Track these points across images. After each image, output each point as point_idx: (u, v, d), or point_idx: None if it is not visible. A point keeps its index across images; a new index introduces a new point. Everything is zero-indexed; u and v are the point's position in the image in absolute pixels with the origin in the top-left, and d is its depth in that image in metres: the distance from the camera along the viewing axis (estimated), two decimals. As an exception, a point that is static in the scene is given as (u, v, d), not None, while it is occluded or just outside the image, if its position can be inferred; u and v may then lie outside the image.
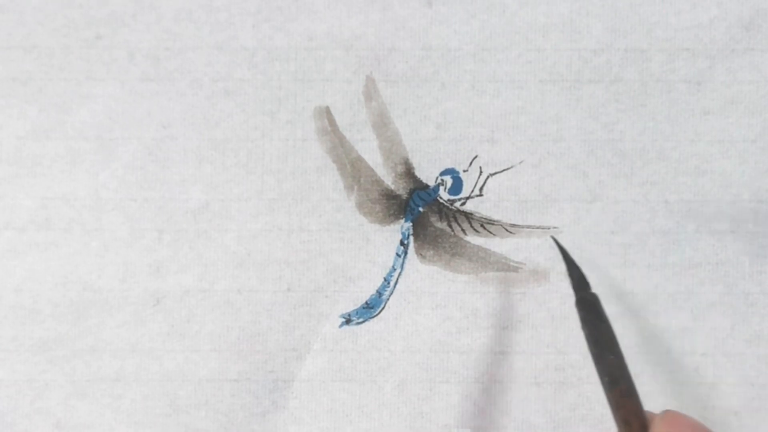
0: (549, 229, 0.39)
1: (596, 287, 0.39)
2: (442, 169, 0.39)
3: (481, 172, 0.39)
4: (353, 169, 0.39)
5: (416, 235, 0.40)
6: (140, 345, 0.39)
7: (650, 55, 0.39)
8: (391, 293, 0.39)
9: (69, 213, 0.39)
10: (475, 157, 0.39)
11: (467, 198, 0.39)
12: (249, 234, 0.39)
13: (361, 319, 0.39)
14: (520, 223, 0.39)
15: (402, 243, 0.39)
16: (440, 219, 0.40)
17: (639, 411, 0.32)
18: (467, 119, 0.39)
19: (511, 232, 0.39)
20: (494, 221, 0.39)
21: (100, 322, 0.39)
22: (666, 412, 0.31)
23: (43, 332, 0.39)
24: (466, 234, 0.39)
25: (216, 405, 0.39)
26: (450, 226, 0.40)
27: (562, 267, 0.39)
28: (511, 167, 0.39)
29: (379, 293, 0.39)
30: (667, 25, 0.39)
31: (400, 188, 0.40)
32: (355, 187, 0.39)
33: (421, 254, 0.39)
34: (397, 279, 0.39)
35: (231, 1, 0.39)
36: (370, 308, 0.39)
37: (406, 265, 0.39)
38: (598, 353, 0.33)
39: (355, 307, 0.39)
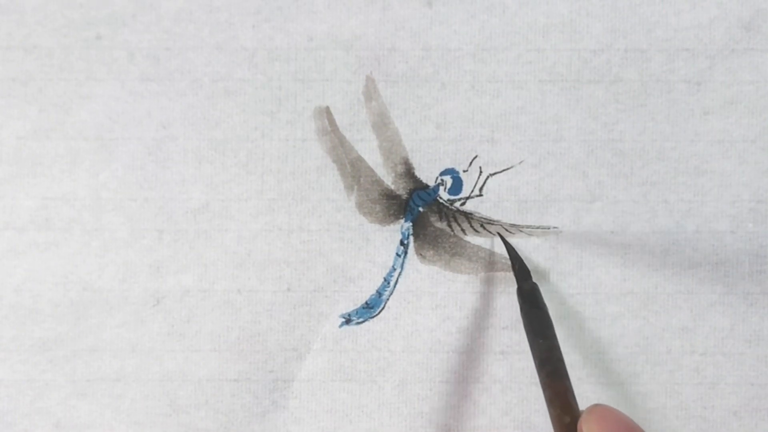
0: (549, 229, 0.39)
1: (596, 287, 0.39)
2: (442, 169, 0.39)
3: (481, 172, 0.39)
4: (353, 169, 0.39)
5: (416, 235, 0.40)
6: (140, 345, 0.39)
7: (650, 55, 0.39)
8: (391, 293, 0.39)
9: (69, 213, 0.39)
10: (475, 157, 0.39)
11: (467, 198, 0.39)
12: (249, 234, 0.39)
13: (361, 319, 0.39)
14: (520, 223, 0.39)
15: (402, 243, 0.39)
16: (440, 219, 0.40)
17: (565, 392, 0.32)
18: (467, 119, 0.39)
19: (510, 232, 0.39)
20: (494, 221, 0.39)
21: (100, 322, 0.39)
22: (594, 407, 0.31)
23: (43, 332, 0.39)
24: (466, 234, 0.39)
25: (216, 405, 0.39)
26: (450, 226, 0.40)
27: (562, 267, 0.39)
28: (511, 167, 0.39)
29: (379, 293, 0.39)
30: (667, 25, 0.39)
31: (400, 188, 0.40)
32: (355, 187, 0.39)
33: (421, 254, 0.39)
34: (397, 279, 0.39)
35: (231, 1, 0.39)
36: (370, 308, 0.39)
37: (406, 265, 0.39)
38: (531, 338, 0.35)
39: (355, 307, 0.39)
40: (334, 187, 0.39)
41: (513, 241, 0.39)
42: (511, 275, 0.39)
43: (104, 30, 0.39)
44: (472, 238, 0.39)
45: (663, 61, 0.39)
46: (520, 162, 0.39)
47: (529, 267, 0.39)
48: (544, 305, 0.36)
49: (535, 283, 0.37)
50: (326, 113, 0.39)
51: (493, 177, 0.39)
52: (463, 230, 0.40)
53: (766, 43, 0.39)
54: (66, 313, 0.39)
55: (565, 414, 0.31)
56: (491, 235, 0.39)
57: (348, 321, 0.39)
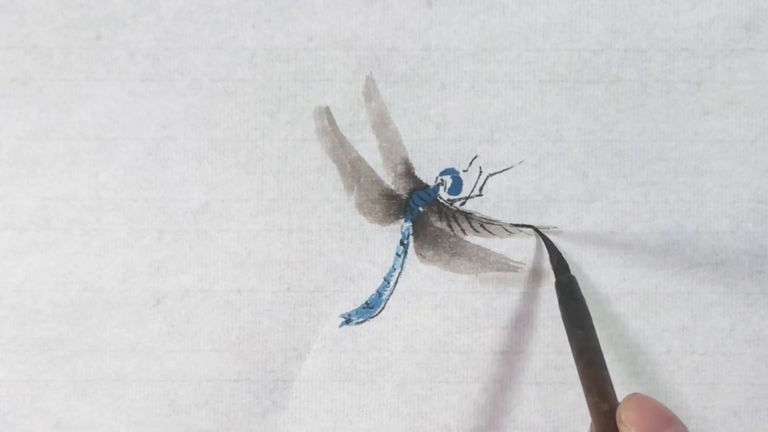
0: (549, 229, 0.39)
1: (596, 287, 0.39)
2: (441, 169, 0.39)
3: (480, 172, 0.39)
4: (353, 169, 0.39)
5: (416, 235, 0.40)
6: (140, 345, 0.39)
7: (650, 55, 0.39)
8: (391, 293, 0.39)
9: (69, 213, 0.39)
10: (475, 157, 0.39)
11: (467, 198, 0.39)
12: (249, 234, 0.39)
13: (361, 319, 0.39)
14: (519, 223, 0.39)
15: (402, 243, 0.39)
16: (440, 219, 0.40)
17: (603, 381, 0.33)
18: (467, 119, 0.39)
19: (510, 232, 0.39)
20: (494, 221, 0.39)
21: (100, 322, 0.39)
22: (632, 395, 0.32)
23: (43, 332, 0.39)
24: (465, 234, 0.39)
25: (216, 405, 0.39)
26: (450, 226, 0.40)
27: (562, 267, 0.39)
28: (511, 167, 0.39)
29: (379, 293, 0.39)
30: (667, 25, 0.39)
31: (400, 188, 0.40)
32: (355, 187, 0.39)
33: (421, 254, 0.39)
34: (397, 279, 0.39)
35: (231, 1, 0.39)
36: (370, 308, 0.39)
37: (406, 265, 0.39)
38: (569, 328, 0.35)
39: (355, 307, 0.39)
40: (334, 187, 0.39)
41: (512, 240, 0.39)
42: (510, 275, 0.39)
43: (104, 30, 0.39)
44: (472, 238, 0.39)
45: (663, 61, 0.39)
46: (520, 162, 0.39)
47: (529, 267, 0.39)
48: (582, 297, 0.36)
49: (573, 276, 0.37)
50: (326, 113, 0.39)
51: (493, 177, 0.39)
52: (463, 230, 0.40)
53: (766, 43, 0.39)
54: (66, 313, 0.39)
55: (603, 402, 0.32)
56: (491, 235, 0.39)
57: (348, 321, 0.39)
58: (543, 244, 0.39)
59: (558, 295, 0.37)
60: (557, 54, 0.39)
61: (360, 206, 0.39)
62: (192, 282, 0.39)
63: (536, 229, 0.39)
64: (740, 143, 0.39)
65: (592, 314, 0.39)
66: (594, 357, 0.34)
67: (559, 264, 0.38)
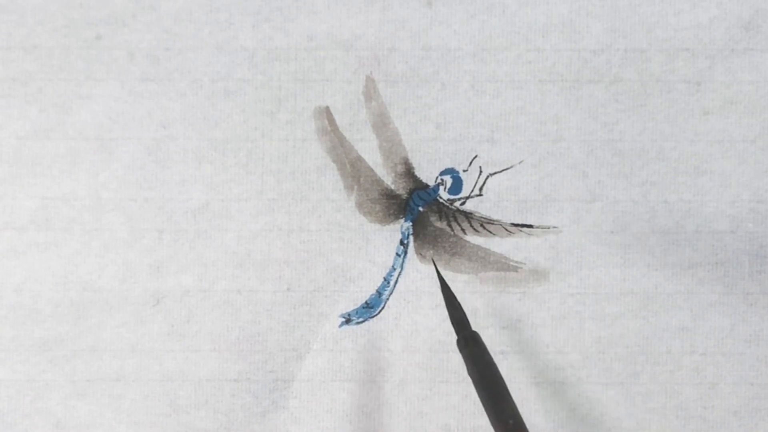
0: (549, 228, 0.39)
1: (596, 287, 0.39)
2: (441, 169, 0.39)
3: (480, 171, 0.39)
4: (353, 169, 0.39)
5: (416, 234, 0.40)
6: (140, 345, 0.39)
7: (650, 55, 0.39)
8: (391, 293, 0.39)
9: (69, 213, 0.39)
10: (475, 157, 0.39)
11: (467, 198, 0.39)
12: (249, 234, 0.39)
13: (361, 319, 0.39)
14: (519, 222, 0.39)
15: (402, 243, 0.39)
16: (440, 219, 0.40)
17: None
18: (467, 119, 0.39)
19: (510, 232, 0.39)
20: (494, 221, 0.39)
21: (100, 322, 0.39)
22: None
23: (43, 332, 0.39)
24: (465, 234, 0.39)
25: (216, 405, 0.39)
26: (450, 226, 0.40)
27: (562, 267, 0.39)
28: (511, 167, 0.39)
29: (379, 293, 0.39)
30: (667, 25, 0.39)
31: (400, 188, 0.40)
32: (355, 187, 0.39)
33: (421, 254, 0.39)
34: (397, 279, 0.39)
35: (231, 1, 0.39)
36: (370, 308, 0.39)
37: (406, 265, 0.39)
38: (482, 391, 0.34)
39: (355, 307, 0.39)
40: (334, 187, 0.39)
41: (512, 240, 0.39)
42: (510, 275, 0.39)
43: (104, 30, 0.39)
44: (472, 238, 0.39)
45: (663, 61, 0.39)
46: (520, 162, 0.39)
47: (529, 267, 0.39)
48: (487, 351, 0.35)
49: (475, 332, 0.36)
50: (326, 113, 0.39)
51: (493, 177, 0.39)
52: (463, 230, 0.40)
53: (766, 43, 0.39)
54: (66, 313, 0.39)
55: None
56: (491, 234, 0.39)
57: (348, 321, 0.39)
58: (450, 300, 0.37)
59: (462, 354, 0.35)
60: (557, 54, 0.39)
61: (360, 206, 0.39)
62: (192, 282, 0.39)
63: (442, 285, 0.38)
64: (740, 143, 0.39)
65: (592, 314, 0.39)
66: (515, 419, 0.33)
67: (461, 321, 0.36)
